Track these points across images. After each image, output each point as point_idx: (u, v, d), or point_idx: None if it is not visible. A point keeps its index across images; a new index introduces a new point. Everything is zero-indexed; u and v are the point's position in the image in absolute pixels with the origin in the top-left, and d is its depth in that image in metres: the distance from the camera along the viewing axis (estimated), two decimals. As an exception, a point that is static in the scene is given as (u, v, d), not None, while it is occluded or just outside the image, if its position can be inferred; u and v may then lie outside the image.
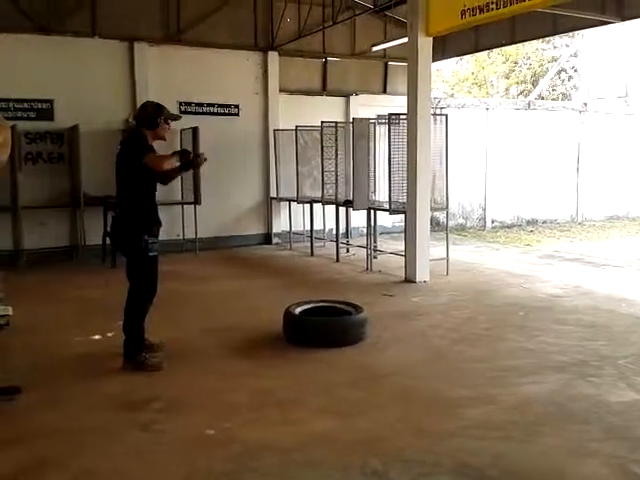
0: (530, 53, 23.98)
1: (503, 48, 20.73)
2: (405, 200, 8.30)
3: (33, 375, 4.73)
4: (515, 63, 24.30)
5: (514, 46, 21.66)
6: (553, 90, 24.42)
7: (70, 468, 3.38)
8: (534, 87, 23.54)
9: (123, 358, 4.90)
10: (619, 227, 14.80)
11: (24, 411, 4.13)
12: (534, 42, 20.52)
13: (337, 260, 9.94)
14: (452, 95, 23.51)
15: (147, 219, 4.86)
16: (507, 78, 24.71)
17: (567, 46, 22.63)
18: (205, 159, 4.97)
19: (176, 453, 3.54)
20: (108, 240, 9.52)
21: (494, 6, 6.79)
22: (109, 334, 5.79)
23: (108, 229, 9.53)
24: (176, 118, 5.17)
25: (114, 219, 5.11)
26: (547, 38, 18.21)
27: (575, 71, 23.88)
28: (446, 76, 25.16)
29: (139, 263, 4.85)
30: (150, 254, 4.80)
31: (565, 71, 24.37)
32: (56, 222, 10.01)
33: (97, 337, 5.80)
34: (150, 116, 4.87)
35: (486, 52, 20.59)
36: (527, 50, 23.72)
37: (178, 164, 4.90)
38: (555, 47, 23.91)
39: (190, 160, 4.93)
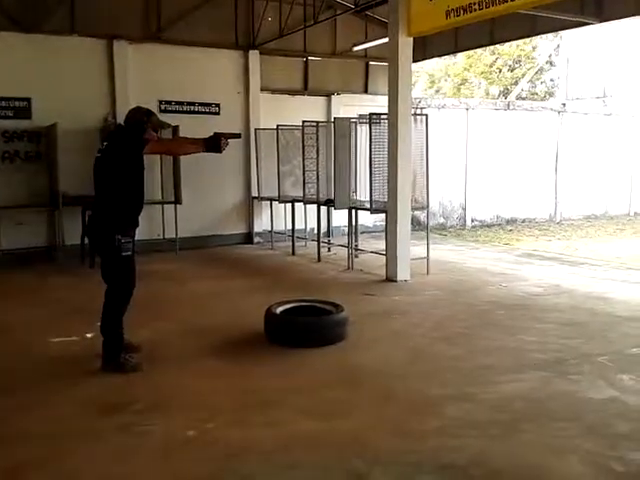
0: (520, 52, 24.04)
1: (495, 47, 20.94)
2: (386, 199, 8.33)
3: (10, 378, 4.67)
4: (497, 57, 24.30)
5: (507, 46, 21.90)
6: (532, 88, 24.62)
7: (50, 472, 3.34)
8: (515, 86, 23.72)
9: (102, 360, 4.85)
10: (597, 226, 14.99)
11: (3, 414, 4.06)
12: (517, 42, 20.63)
13: (318, 259, 9.94)
14: (436, 91, 23.59)
15: (122, 218, 4.80)
16: (488, 79, 24.85)
17: (552, 40, 22.58)
18: (227, 143, 4.92)
19: (157, 455, 3.52)
20: (87, 240, 9.45)
21: (477, 7, 6.83)
22: (88, 335, 5.72)
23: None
24: (165, 127, 5.09)
25: (90, 218, 5.08)
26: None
27: (552, 68, 24.09)
28: (434, 69, 25.10)
29: (113, 263, 4.80)
30: (123, 254, 4.74)
31: (544, 70, 24.58)
32: (34, 222, 9.85)
33: (75, 338, 5.73)
34: (138, 122, 4.83)
35: (478, 50, 20.68)
36: (519, 51, 23.84)
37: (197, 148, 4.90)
38: (533, 48, 24.09)
39: (218, 145, 4.85)
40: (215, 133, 4.93)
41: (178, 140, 4.93)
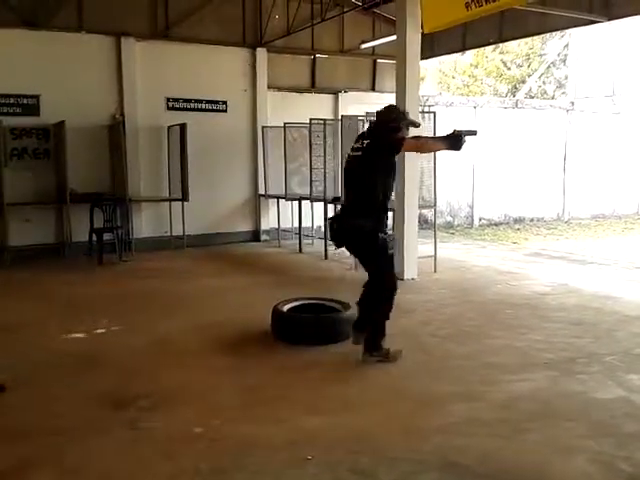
0: (528, 50, 23.93)
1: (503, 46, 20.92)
2: (393, 197, 8.29)
3: (18, 373, 4.68)
4: (504, 56, 24.22)
5: (516, 44, 21.80)
6: (542, 86, 24.52)
7: (56, 467, 3.35)
8: (523, 84, 23.62)
9: (364, 349, 4.92)
10: (605, 225, 14.92)
11: (9, 409, 4.08)
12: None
13: (325, 257, 9.93)
14: (440, 94, 23.51)
15: (380, 216, 4.85)
16: (499, 76, 24.73)
17: (560, 38, 22.40)
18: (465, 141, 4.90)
19: (164, 451, 3.52)
20: (95, 237, 9.46)
21: None
22: (95, 331, 5.75)
23: (106, 225, 9.47)
24: (416, 125, 5.17)
25: (340, 217, 5.08)
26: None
27: (562, 66, 23.98)
28: (445, 68, 25.05)
29: (380, 262, 4.83)
30: (390, 252, 4.82)
31: (554, 65, 24.46)
32: (42, 219, 9.89)
33: (83, 335, 5.75)
34: (395, 119, 4.88)
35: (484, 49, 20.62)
36: (527, 48, 23.75)
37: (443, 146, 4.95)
38: (544, 45, 23.97)
39: (460, 144, 4.83)
40: (455, 131, 4.90)
41: (424, 139, 5.10)
